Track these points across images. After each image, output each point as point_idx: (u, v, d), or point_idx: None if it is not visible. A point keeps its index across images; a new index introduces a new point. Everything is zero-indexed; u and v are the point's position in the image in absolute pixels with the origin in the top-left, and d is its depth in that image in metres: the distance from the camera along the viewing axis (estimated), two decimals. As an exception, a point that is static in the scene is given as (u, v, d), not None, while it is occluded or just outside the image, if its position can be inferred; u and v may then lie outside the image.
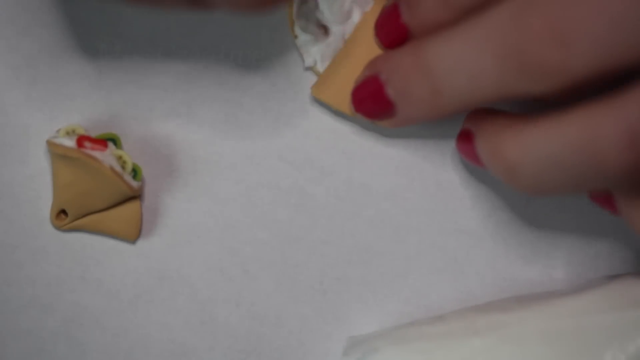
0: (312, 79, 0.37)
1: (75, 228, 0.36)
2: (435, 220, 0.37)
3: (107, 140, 0.35)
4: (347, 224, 0.37)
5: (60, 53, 0.37)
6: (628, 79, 0.29)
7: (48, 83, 0.37)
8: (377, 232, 0.37)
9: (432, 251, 0.37)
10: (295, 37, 0.36)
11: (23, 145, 0.37)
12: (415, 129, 0.37)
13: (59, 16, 0.37)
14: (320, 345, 0.36)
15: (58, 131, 0.36)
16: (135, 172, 0.36)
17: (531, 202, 0.37)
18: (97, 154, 0.35)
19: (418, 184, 0.37)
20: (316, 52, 0.36)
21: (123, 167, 0.35)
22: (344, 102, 0.36)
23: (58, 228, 0.36)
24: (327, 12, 0.35)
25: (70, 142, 0.35)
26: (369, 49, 0.36)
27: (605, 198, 0.34)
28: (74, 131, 0.36)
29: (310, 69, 0.37)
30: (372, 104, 0.34)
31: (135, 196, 0.36)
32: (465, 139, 0.34)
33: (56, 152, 0.35)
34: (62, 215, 0.36)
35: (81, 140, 0.35)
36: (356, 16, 0.36)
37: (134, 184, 0.35)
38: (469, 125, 0.34)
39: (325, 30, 0.36)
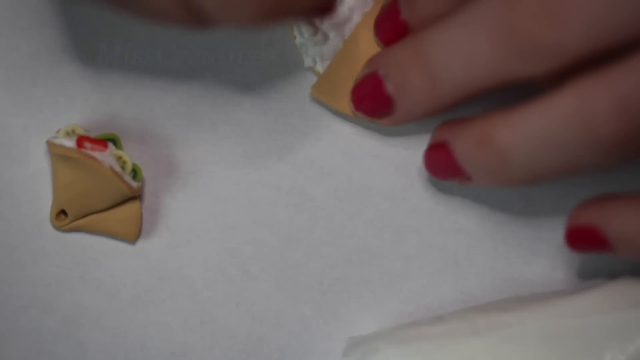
0: (312, 79, 0.37)
1: (75, 228, 0.36)
2: (435, 220, 0.37)
3: (106, 141, 0.35)
4: (347, 225, 0.37)
5: (60, 53, 0.37)
6: (618, 53, 0.29)
7: (48, 83, 0.37)
8: (377, 233, 0.37)
9: (431, 251, 0.37)
10: (295, 37, 0.36)
11: (23, 145, 0.37)
12: (415, 129, 0.37)
13: (59, 16, 0.37)
14: (320, 345, 0.36)
15: (58, 131, 0.36)
16: (135, 173, 0.36)
17: (531, 202, 0.37)
18: (96, 154, 0.35)
19: (418, 184, 0.37)
20: (316, 52, 0.36)
21: (123, 168, 0.35)
22: (344, 102, 0.36)
23: (58, 228, 0.36)
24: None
25: (70, 143, 0.35)
26: (369, 48, 0.36)
27: (589, 236, 0.33)
28: (73, 131, 0.36)
29: (310, 69, 0.37)
30: (371, 101, 0.34)
31: (135, 196, 0.36)
32: (438, 148, 0.33)
33: (56, 153, 0.35)
34: (62, 216, 0.36)
35: (81, 140, 0.35)
36: (356, 16, 0.36)
37: (134, 184, 0.35)
38: (439, 136, 0.33)
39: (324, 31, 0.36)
